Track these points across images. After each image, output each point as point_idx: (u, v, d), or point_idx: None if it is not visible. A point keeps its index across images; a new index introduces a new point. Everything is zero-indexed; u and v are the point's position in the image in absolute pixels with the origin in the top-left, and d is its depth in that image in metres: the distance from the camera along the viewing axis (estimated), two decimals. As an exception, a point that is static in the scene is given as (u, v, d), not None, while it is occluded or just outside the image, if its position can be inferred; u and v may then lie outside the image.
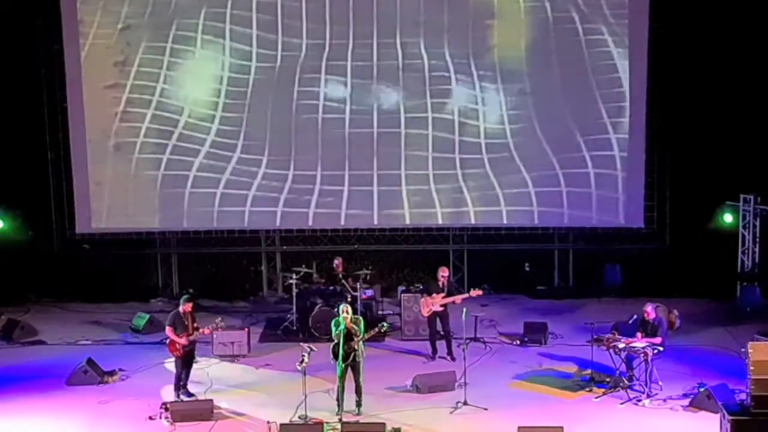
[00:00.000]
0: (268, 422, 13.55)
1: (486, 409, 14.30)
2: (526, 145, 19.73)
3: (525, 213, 19.92)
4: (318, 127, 19.83)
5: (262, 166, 19.94)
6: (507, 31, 19.59)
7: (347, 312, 14.26)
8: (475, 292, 16.50)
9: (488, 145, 19.77)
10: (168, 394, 14.96)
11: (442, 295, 16.55)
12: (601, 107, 19.54)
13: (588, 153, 19.64)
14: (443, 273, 16.78)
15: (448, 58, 19.65)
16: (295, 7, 19.57)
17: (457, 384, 15.02)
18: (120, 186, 20.09)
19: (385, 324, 14.81)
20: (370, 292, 18.82)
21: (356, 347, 14.17)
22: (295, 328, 18.29)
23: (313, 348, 14.27)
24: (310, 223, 20.21)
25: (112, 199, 20.16)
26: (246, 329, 17.44)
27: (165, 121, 19.92)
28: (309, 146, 19.89)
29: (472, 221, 20.06)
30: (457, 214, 19.96)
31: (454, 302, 16.58)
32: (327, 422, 13.67)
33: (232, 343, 16.81)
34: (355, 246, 20.76)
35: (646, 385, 14.66)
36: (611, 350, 14.98)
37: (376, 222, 20.14)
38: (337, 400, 14.20)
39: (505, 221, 19.98)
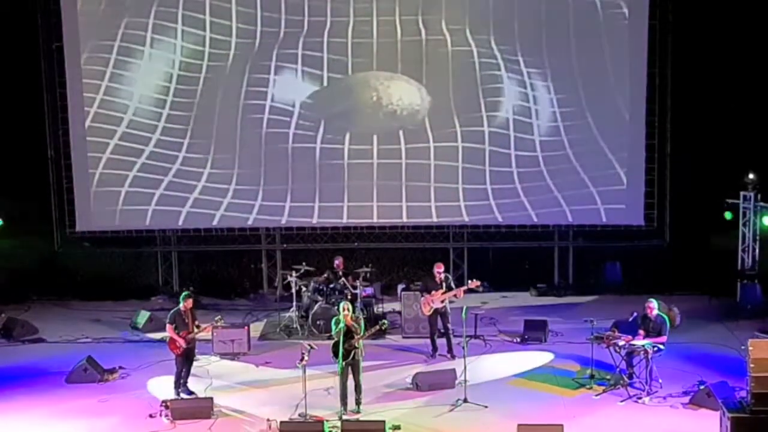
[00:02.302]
0: (268, 420, 13.58)
1: (486, 407, 14.29)
2: (527, 144, 19.78)
3: (526, 212, 19.91)
4: (317, 150, 19.91)
5: (262, 166, 19.96)
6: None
7: (347, 310, 14.26)
8: (474, 283, 16.44)
9: (491, 134, 19.73)
10: (168, 391, 14.95)
11: (441, 291, 16.53)
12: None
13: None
14: (438, 269, 16.70)
15: (447, 34, 19.56)
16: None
17: (457, 382, 15.01)
18: (121, 185, 20.07)
19: (385, 322, 14.78)
20: (370, 290, 18.82)
21: (356, 345, 14.17)
22: (295, 326, 18.30)
23: (313, 346, 14.26)
24: (313, 221, 20.22)
25: (113, 197, 20.14)
26: (246, 327, 17.44)
27: (170, 131, 19.94)
28: (308, 151, 19.94)
29: (466, 219, 20.03)
30: (454, 213, 19.97)
31: (456, 296, 16.56)
32: (327, 420, 13.68)
33: (232, 341, 16.78)
34: (355, 244, 20.76)
35: (646, 382, 14.64)
36: (611, 348, 14.97)
37: (375, 219, 20.14)
38: (342, 398, 14.17)
39: (500, 219, 20.00)
